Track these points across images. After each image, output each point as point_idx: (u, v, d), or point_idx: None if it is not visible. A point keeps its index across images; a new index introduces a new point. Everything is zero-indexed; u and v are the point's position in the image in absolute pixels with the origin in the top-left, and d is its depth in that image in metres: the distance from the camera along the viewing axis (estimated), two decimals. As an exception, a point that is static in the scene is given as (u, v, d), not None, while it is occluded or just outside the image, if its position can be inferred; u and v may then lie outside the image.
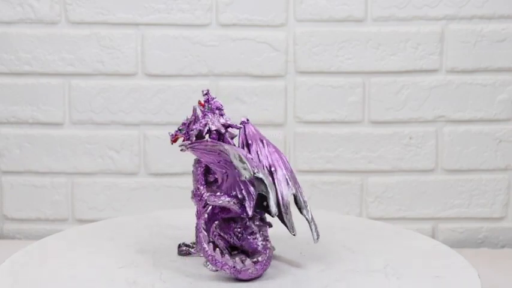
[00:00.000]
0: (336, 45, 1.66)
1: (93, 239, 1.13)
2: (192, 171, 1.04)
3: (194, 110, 1.04)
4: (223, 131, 1.03)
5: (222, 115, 1.04)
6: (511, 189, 1.71)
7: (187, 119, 1.05)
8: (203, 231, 0.99)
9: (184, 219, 1.14)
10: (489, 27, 1.66)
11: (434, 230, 1.71)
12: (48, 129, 1.68)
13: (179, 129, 1.05)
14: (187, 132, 1.04)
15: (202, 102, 1.04)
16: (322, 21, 1.66)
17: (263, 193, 0.95)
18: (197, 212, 1.03)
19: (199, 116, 1.04)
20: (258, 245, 1.00)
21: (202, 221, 1.00)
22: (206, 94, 1.04)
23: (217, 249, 0.97)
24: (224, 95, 1.66)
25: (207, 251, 0.97)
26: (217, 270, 0.99)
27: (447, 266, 1.02)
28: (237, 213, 0.99)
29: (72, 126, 1.68)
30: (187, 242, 1.07)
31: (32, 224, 1.71)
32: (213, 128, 1.03)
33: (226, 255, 0.97)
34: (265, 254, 0.99)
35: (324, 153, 1.69)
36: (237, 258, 0.98)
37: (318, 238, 1.00)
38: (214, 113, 1.03)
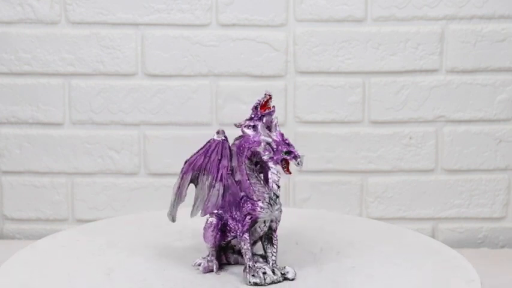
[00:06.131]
0: (336, 45, 1.66)
1: (93, 239, 1.13)
2: (246, 181, 0.96)
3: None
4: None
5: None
6: (511, 189, 1.71)
7: (281, 138, 0.99)
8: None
9: (184, 219, 1.14)
10: (489, 27, 1.66)
11: (434, 230, 1.71)
12: (48, 129, 1.68)
13: (287, 153, 0.98)
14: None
15: (270, 105, 0.98)
16: (322, 21, 1.66)
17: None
18: (239, 221, 0.98)
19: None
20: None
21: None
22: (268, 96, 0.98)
23: None
24: (224, 95, 1.66)
25: None
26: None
27: (447, 266, 1.02)
28: None
29: (72, 126, 1.68)
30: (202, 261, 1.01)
31: (32, 224, 1.71)
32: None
33: None
34: None
35: (324, 153, 1.69)
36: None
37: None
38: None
